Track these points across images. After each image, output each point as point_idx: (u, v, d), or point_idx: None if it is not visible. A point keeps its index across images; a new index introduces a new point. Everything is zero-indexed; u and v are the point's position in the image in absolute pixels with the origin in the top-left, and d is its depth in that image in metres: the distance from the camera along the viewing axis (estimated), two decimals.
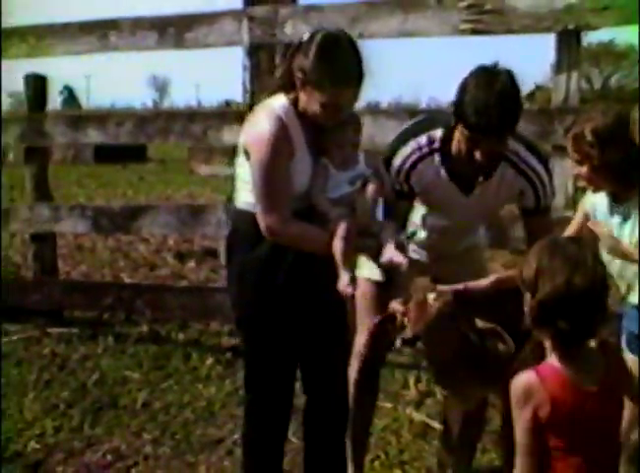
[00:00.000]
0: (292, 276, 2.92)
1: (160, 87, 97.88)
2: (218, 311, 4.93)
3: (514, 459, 3.21)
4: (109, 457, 3.92)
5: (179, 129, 4.74)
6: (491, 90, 2.73)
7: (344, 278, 2.77)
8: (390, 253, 2.82)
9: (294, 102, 2.83)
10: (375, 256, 2.86)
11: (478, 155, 2.83)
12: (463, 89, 2.78)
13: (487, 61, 2.89)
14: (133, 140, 5.04)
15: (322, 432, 3.18)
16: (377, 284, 3.30)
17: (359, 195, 2.89)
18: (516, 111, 2.79)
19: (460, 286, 2.89)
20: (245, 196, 2.92)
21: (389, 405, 4.21)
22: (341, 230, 2.80)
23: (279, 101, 2.84)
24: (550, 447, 2.09)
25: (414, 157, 3.03)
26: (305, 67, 2.75)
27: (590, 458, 2.11)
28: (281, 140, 2.78)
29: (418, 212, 3.26)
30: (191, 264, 7.04)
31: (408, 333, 2.77)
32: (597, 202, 2.96)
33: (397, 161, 3.04)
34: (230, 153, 10.69)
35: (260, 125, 2.82)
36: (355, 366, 3.33)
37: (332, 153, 2.90)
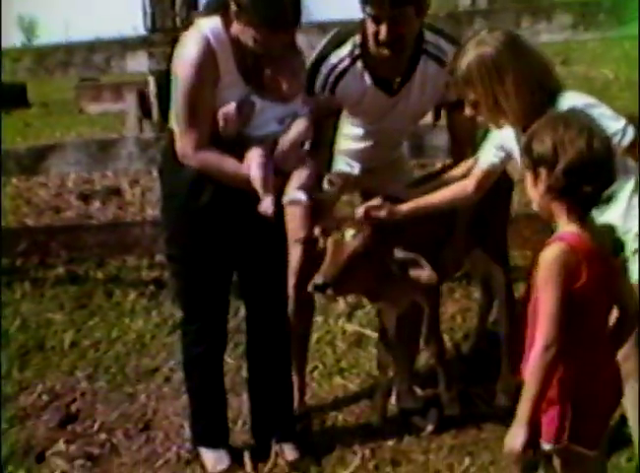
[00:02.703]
0: (218, 196, 2.92)
1: (27, 28, 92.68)
2: (136, 245, 4.89)
3: (445, 357, 3.40)
4: (45, 398, 3.89)
5: (80, 61, 4.59)
6: None
7: (265, 200, 2.77)
8: (291, 194, 2.83)
9: (228, 26, 2.75)
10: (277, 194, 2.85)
11: (382, 35, 2.88)
12: None
13: None
14: (32, 76, 4.86)
15: (267, 346, 3.24)
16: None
17: (284, 133, 2.87)
18: None
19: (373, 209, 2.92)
20: None
21: (320, 318, 4.26)
22: (256, 157, 2.79)
23: (210, 23, 2.76)
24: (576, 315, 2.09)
25: (337, 70, 3.05)
26: (241, 0, 2.68)
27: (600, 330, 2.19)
28: (206, 64, 2.73)
29: (348, 125, 3.29)
30: (96, 204, 6.88)
31: (318, 279, 2.79)
32: (505, 136, 2.74)
33: (320, 78, 3.06)
34: (117, 88, 10.34)
35: (186, 47, 2.76)
36: (291, 282, 3.38)
37: (267, 82, 2.84)
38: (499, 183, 3.34)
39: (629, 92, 9.65)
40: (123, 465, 3.33)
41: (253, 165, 2.78)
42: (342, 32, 3.12)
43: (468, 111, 2.61)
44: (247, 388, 3.36)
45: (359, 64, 3.05)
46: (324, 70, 3.05)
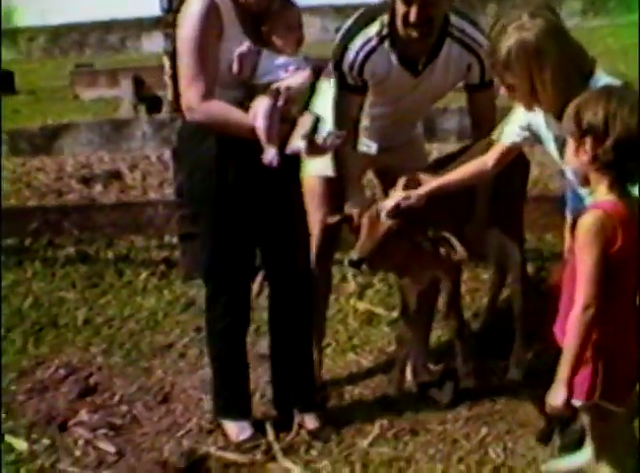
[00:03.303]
0: (242, 173, 2.98)
1: (4, 17, 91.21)
2: (149, 226, 4.95)
3: (464, 332, 3.51)
4: (62, 371, 3.95)
5: (95, 41, 4.64)
6: None
7: (269, 151, 2.82)
8: (293, 143, 2.88)
9: None
10: (282, 143, 2.89)
11: (412, 16, 2.95)
12: None
13: None
14: (48, 55, 4.90)
15: (290, 320, 3.32)
16: (325, 180, 3.42)
17: (287, 78, 2.91)
18: None
19: (403, 201, 3.00)
20: None
21: (332, 297, 4.31)
22: (262, 108, 2.84)
23: None
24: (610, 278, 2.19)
25: (365, 50, 3.13)
26: None
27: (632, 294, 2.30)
28: (210, 17, 2.82)
29: (368, 103, 3.37)
30: (98, 188, 6.93)
31: (354, 255, 2.90)
32: (533, 117, 2.80)
33: (349, 55, 3.14)
34: (113, 74, 10.32)
35: (192, 3, 2.85)
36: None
37: (265, 39, 2.94)
38: (516, 163, 3.45)
39: None
40: (145, 435, 3.39)
41: (259, 114, 2.84)
42: (369, 11, 3.19)
43: (503, 92, 2.68)
44: (270, 361, 3.43)
45: (387, 44, 3.13)
46: (352, 49, 3.12)
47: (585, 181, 2.29)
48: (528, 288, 3.63)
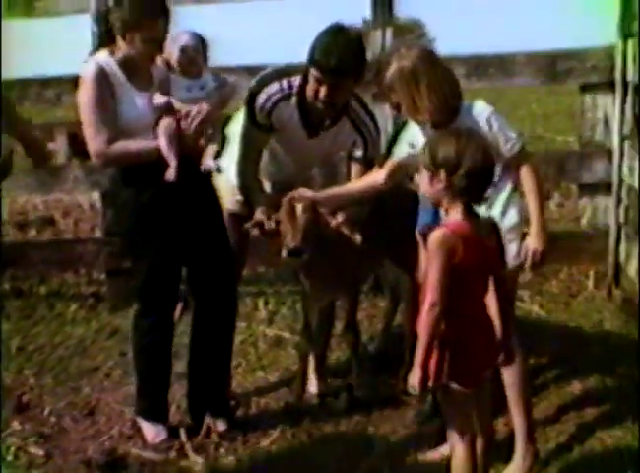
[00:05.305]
0: (165, 209, 3.48)
1: None
2: (79, 261, 5.36)
3: (359, 347, 3.99)
4: None
5: (34, 96, 5.08)
6: (336, 38, 3.38)
7: (172, 165, 3.35)
8: (207, 162, 3.46)
9: (114, 53, 3.36)
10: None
11: (322, 93, 3.43)
12: (317, 38, 3.41)
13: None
14: None
15: (214, 333, 3.77)
16: (230, 214, 3.90)
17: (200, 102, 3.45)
18: (354, 60, 3.39)
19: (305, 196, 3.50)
20: None
21: (243, 324, 4.85)
22: (161, 128, 3.38)
23: (100, 55, 3.39)
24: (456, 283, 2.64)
25: (276, 96, 3.59)
26: (122, 16, 3.28)
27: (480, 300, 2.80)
28: (99, 78, 3.32)
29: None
30: (32, 232, 7.33)
31: (290, 245, 3.36)
32: (414, 134, 3.29)
33: (262, 97, 3.59)
34: (49, 128, 10.61)
35: (84, 70, 3.36)
36: None
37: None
38: (407, 202, 3.97)
39: (531, 145, 10.55)
40: (72, 441, 3.79)
41: (160, 135, 3.37)
42: (289, 67, 3.64)
43: (391, 110, 3.29)
44: (188, 375, 3.86)
45: (294, 100, 3.59)
46: (265, 92, 3.57)
47: (438, 203, 2.79)
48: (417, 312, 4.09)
